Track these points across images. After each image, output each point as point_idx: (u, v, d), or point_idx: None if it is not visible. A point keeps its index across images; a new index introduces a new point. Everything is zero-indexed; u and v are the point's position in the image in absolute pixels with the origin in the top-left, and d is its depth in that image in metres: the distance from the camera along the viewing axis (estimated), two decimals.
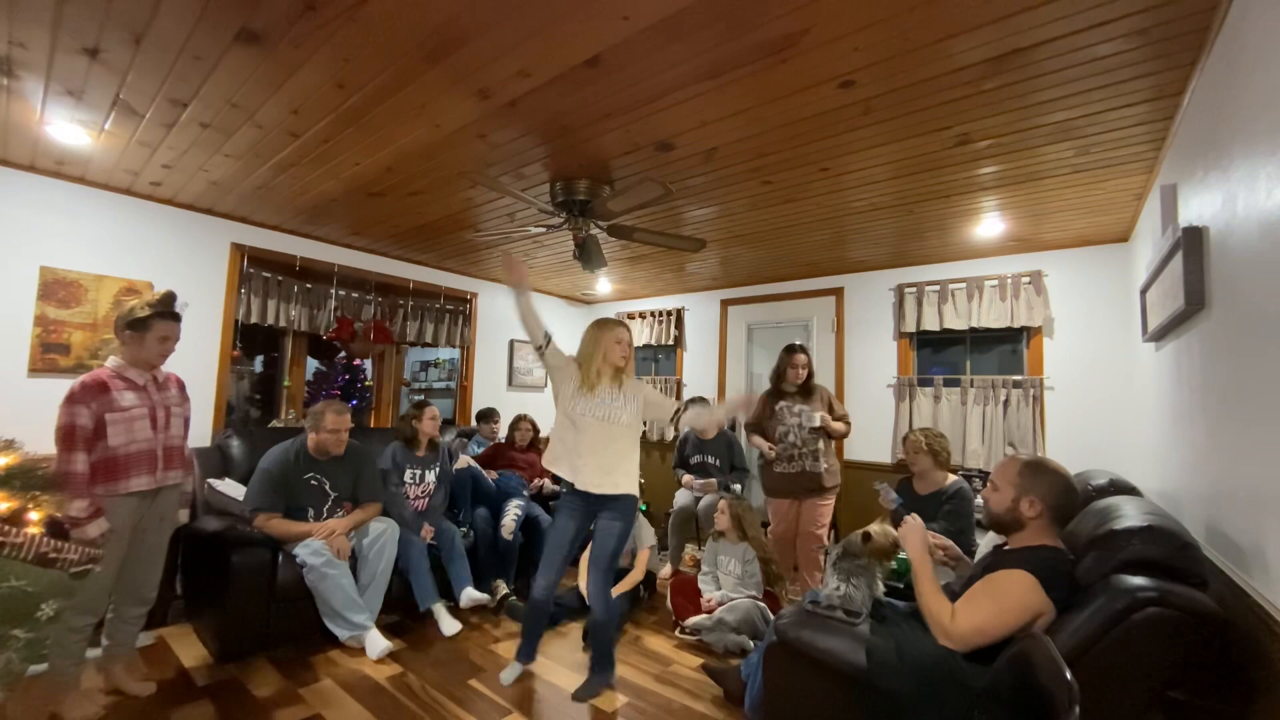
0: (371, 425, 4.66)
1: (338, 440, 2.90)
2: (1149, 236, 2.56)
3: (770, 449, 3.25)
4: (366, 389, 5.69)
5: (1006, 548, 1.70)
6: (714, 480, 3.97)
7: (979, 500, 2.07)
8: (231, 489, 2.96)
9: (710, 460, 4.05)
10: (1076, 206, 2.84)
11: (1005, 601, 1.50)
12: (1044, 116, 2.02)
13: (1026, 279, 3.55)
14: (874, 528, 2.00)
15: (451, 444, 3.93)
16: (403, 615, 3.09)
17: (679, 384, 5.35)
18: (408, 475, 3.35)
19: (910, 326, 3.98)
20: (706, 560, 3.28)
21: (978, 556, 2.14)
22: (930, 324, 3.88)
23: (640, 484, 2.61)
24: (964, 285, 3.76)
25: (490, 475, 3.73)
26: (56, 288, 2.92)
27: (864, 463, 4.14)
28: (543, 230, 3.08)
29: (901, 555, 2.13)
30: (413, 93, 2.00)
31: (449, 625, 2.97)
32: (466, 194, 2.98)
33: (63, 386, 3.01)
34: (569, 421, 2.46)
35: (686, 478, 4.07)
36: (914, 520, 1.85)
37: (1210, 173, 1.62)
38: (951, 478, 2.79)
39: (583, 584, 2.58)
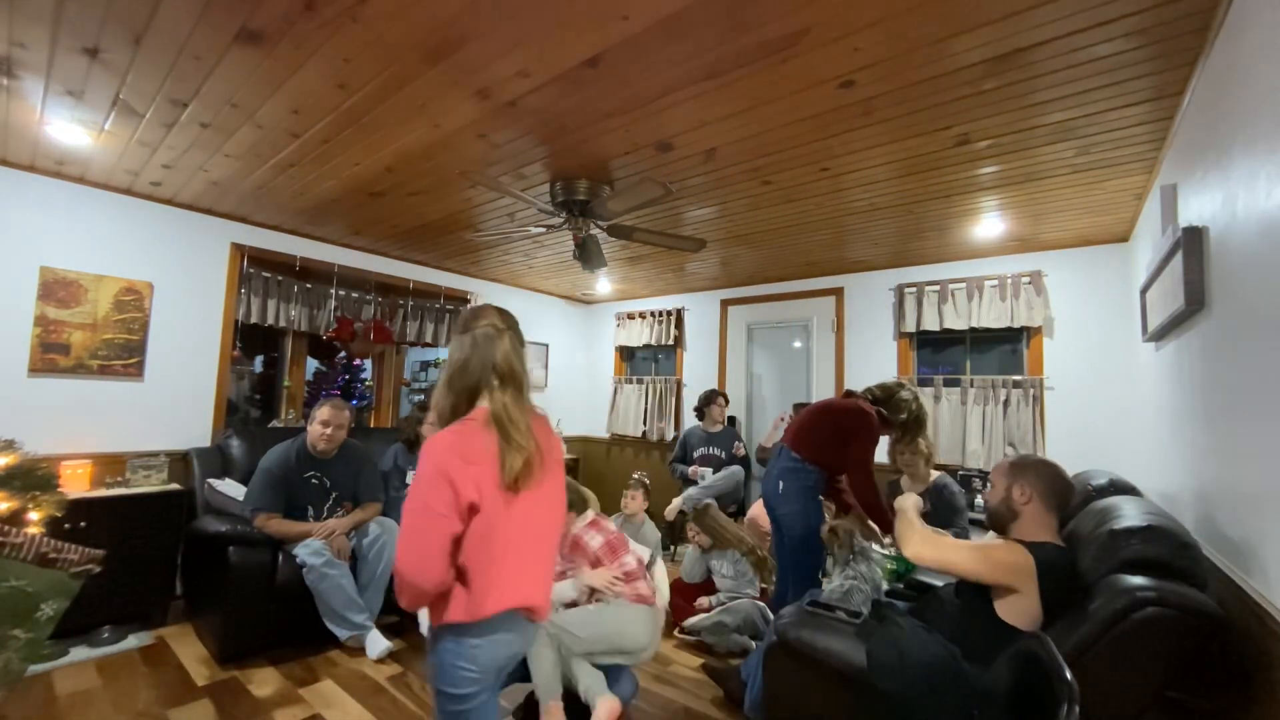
0: (371, 425, 4.65)
1: (324, 436, 2.87)
2: (1149, 236, 2.56)
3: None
4: (367, 389, 5.69)
5: None
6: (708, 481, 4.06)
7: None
8: (231, 489, 2.95)
9: (716, 452, 4.22)
10: (1076, 206, 2.84)
11: (984, 551, 1.56)
12: (1044, 116, 2.02)
13: (1026, 279, 3.55)
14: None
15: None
16: (402, 615, 3.09)
17: (679, 384, 5.35)
18: (410, 477, 3.36)
19: (910, 326, 3.98)
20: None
21: None
22: (930, 324, 3.88)
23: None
24: (964, 285, 3.75)
25: None
26: (56, 288, 2.92)
27: None
28: (543, 230, 3.08)
29: (900, 554, 2.15)
30: (413, 93, 2.00)
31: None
32: (466, 194, 2.98)
33: (63, 387, 2.99)
34: None
35: (693, 468, 4.21)
36: (913, 495, 1.95)
37: (1210, 173, 1.62)
38: (934, 473, 2.92)
39: None
